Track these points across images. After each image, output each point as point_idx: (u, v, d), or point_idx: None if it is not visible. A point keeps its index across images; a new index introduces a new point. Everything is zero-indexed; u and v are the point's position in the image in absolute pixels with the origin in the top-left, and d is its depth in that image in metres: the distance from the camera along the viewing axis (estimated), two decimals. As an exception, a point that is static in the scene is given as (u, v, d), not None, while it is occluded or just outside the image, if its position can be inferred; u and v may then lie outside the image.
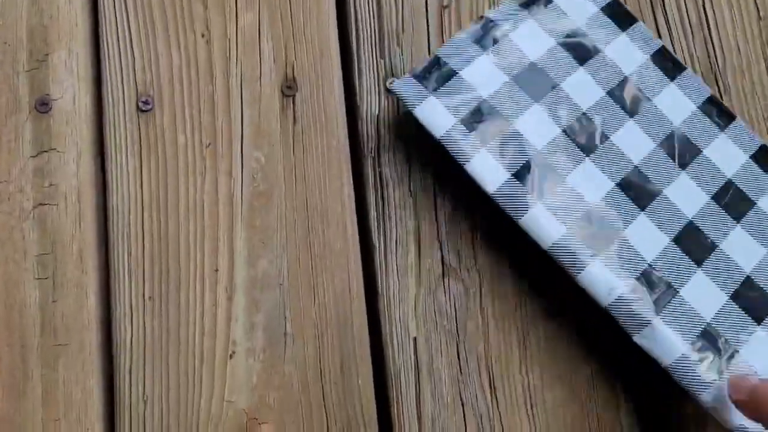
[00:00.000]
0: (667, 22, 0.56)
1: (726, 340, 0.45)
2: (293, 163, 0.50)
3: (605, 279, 0.45)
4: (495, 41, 0.49)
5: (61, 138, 0.49)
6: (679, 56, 0.55)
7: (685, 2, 0.57)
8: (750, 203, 0.49)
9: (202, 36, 0.52)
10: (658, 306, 0.45)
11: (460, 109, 0.47)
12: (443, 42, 0.53)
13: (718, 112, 0.51)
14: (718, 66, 0.55)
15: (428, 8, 0.54)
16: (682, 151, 0.49)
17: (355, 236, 0.49)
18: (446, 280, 0.49)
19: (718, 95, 0.54)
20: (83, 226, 0.48)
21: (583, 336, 0.49)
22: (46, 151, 0.49)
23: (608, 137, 0.48)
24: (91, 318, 0.47)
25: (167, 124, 0.50)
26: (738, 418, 0.43)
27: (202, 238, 0.48)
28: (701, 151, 0.50)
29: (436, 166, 0.51)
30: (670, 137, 0.50)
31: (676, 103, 0.51)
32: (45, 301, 0.47)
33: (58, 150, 0.49)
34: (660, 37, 0.55)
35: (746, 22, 0.57)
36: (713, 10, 0.57)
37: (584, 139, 0.48)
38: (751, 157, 0.50)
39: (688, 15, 0.56)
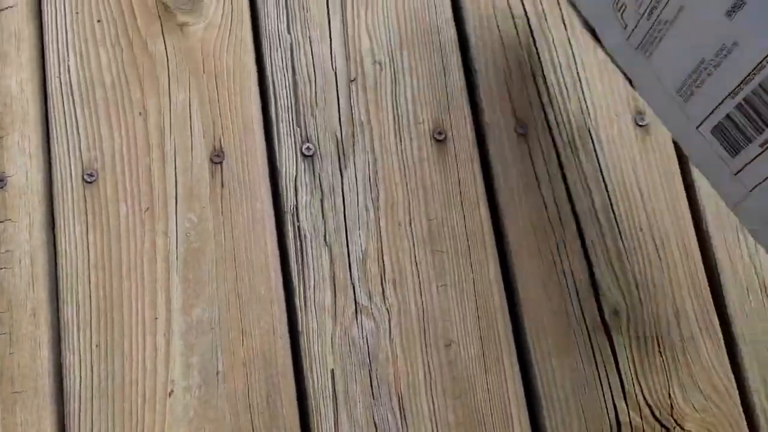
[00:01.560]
0: (545, 83, 0.65)
1: None
2: (222, 222, 0.58)
3: None
4: None
5: (16, 209, 0.56)
6: (556, 113, 0.63)
7: (561, 69, 0.66)
8: None
9: (140, 114, 0.60)
10: None
11: None
12: (352, 111, 0.61)
13: None
14: (591, 120, 0.64)
15: (338, 82, 0.62)
16: None
17: (279, 283, 0.57)
18: (359, 317, 0.56)
19: (592, 146, 0.63)
20: (36, 286, 0.55)
21: (478, 360, 0.56)
22: (1, 221, 0.56)
23: None
24: (44, 367, 0.53)
25: (110, 194, 0.57)
26: None
27: (142, 292, 0.55)
28: None
29: (347, 219, 0.58)
30: None
31: None
32: (3, 354, 0.53)
33: (12, 220, 0.56)
34: (541, 97, 0.64)
35: (613, 82, 0.66)
36: (585, 73, 0.66)
37: None
38: None
39: (564, 78, 0.65)
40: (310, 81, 0.62)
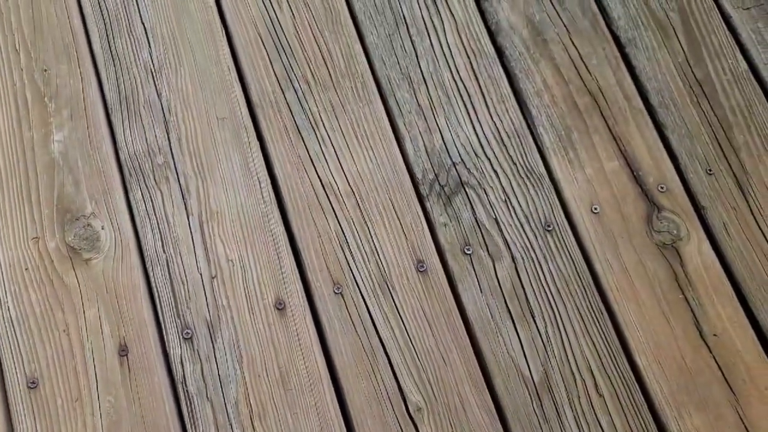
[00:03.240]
0: (350, 252, 0.91)
1: None
2: (132, 398, 0.81)
3: None
4: None
5: (-18, 417, 0.79)
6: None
7: (359, 237, 0.92)
8: None
9: (63, 331, 0.84)
10: None
11: None
12: (216, 299, 0.86)
13: None
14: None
15: (203, 280, 0.87)
16: None
17: (178, 434, 0.80)
18: (237, 448, 0.80)
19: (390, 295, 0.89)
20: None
21: None
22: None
23: None
24: None
25: (48, 393, 0.80)
26: None
27: (80, 460, 0.77)
28: None
29: (221, 378, 0.82)
30: None
31: None
32: None
33: (-20, 426, 0.78)
34: (350, 263, 0.90)
35: (400, 241, 0.93)
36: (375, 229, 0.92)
37: None
38: None
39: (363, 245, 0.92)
40: (183, 283, 0.87)
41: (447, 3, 1.05)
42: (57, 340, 0.83)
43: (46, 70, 0.94)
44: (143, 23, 0.98)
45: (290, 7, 1.02)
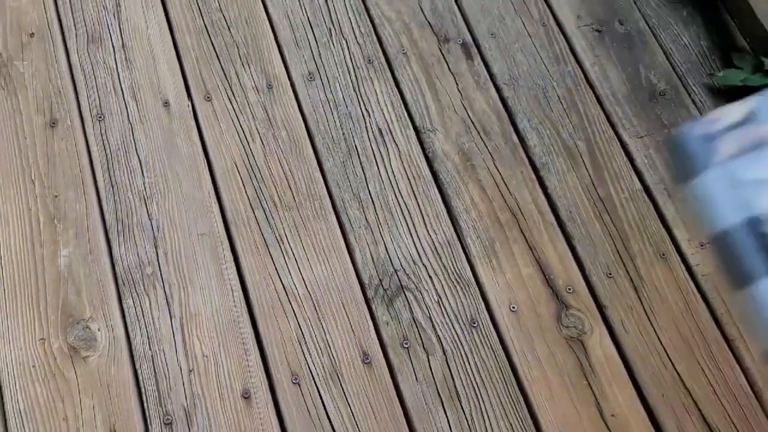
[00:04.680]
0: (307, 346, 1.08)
1: None
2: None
3: None
4: None
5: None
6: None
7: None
8: None
9: (63, 419, 0.99)
10: None
11: None
12: (193, 389, 1.03)
13: None
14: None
15: (182, 373, 1.04)
16: None
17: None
18: None
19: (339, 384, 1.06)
20: None
21: None
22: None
23: None
24: None
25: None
26: None
27: None
28: None
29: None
30: None
31: None
32: None
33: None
34: (307, 357, 1.07)
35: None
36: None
37: None
38: None
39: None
40: (165, 376, 1.03)
41: (392, 135, 1.26)
42: (58, 427, 0.98)
43: (56, 196, 1.13)
44: (138, 155, 1.18)
45: (261, 140, 1.23)
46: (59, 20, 1.26)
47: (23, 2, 1.26)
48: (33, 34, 1.24)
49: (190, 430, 0.99)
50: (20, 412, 0.98)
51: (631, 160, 1.27)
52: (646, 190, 1.24)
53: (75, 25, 1.27)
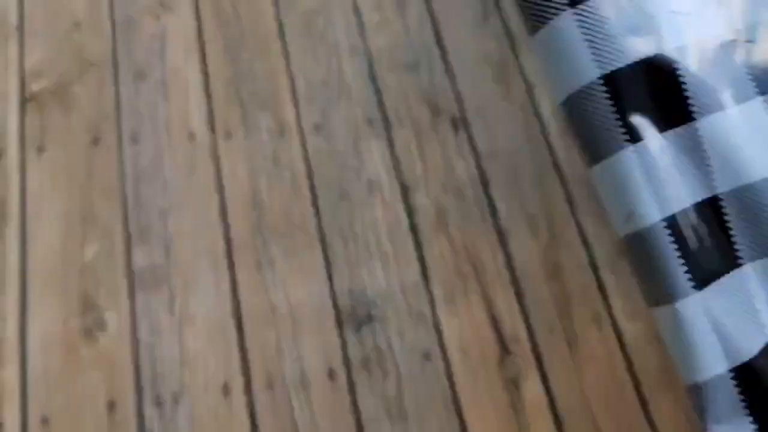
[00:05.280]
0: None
1: None
2: (110, 441, 1.13)
3: None
4: None
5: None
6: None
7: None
8: None
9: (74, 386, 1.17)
10: None
11: None
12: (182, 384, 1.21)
13: None
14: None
15: (174, 361, 1.22)
16: None
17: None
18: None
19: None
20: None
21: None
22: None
23: None
24: None
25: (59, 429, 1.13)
26: None
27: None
28: None
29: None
30: None
31: None
32: None
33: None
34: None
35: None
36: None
37: None
38: None
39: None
40: (161, 364, 1.21)
41: (380, 187, 1.46)
42: (68, 393, 1.16)
43: (90, 202, 1.33)
44: (164, 176, 1.39)
45: (267, 176, 1.44)
46: (115, 56, 1.48)
47: (88, 37, 1.49)
48: (93, 64, 1.46)
49: (177, 410, 1.17)
50: (38, 378, 1.16)
51: (583, 235, 1.47)
52: (592, 262, 1.44)
53: (127, 61, 1.49)
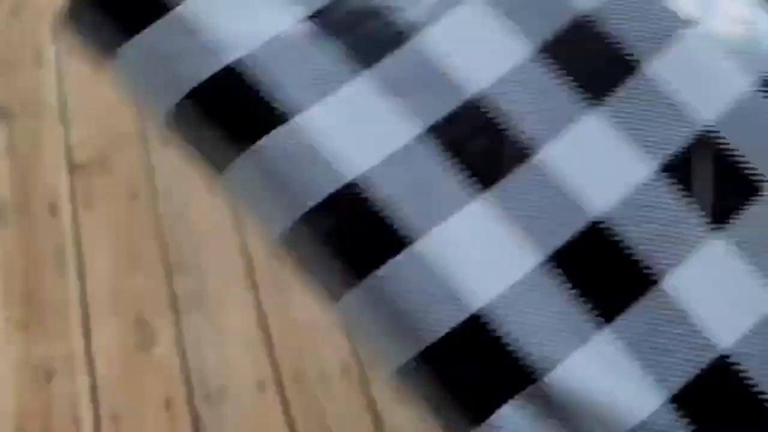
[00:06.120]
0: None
1: None
2: None
3: None
4: None
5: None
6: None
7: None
8: None
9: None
10: None
11: None
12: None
13: None
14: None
15: (212, 364, 1.45)
16: None
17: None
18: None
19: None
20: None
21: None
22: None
23: None
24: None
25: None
26: None
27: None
28: None
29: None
30: None
31: None
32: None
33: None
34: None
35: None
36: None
37: None
38: None
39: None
40: (201, 367, 1.44)
41: None
42: (130, 393, 1.38)
43: (136, 240, 1.59)
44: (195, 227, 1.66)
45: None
46: (144, 128, 1.77)
47: (120, 113, 1.78)
48: (126, 135, 1.74)
49: (222, 403, 1.39)
50: (105, 383, 1.38)
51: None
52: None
53: (154, 131, 1.78)
